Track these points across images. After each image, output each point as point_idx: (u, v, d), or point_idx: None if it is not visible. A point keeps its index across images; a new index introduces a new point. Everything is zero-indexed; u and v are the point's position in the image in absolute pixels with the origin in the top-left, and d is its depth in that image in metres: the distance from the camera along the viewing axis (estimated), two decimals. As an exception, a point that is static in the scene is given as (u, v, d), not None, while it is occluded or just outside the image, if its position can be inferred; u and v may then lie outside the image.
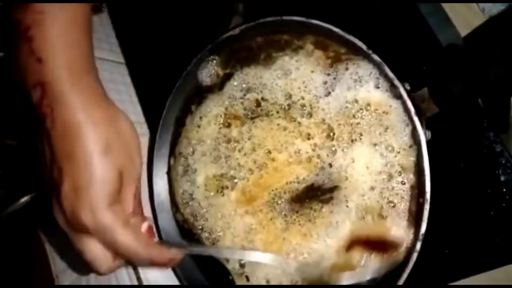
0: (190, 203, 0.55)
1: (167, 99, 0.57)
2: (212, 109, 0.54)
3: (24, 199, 0.57)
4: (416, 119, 0.42)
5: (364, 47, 0.45)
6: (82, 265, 0.39)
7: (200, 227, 0.53)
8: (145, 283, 0.55)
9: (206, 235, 0.52)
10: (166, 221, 0.55)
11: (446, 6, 0.56)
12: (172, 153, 0.57)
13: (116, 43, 0.76)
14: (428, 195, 0.41)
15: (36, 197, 0.59)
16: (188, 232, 0.55)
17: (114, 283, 0.57)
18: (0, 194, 0.61)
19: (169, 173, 0.57)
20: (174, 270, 0.53)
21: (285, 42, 0.51)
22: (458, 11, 0.56)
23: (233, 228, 0.51)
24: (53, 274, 0.65)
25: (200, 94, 0.56)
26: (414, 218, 0.43)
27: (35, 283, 0.67)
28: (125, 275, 0.57)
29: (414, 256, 0.41)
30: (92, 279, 0.60)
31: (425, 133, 0.42)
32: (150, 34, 0.72)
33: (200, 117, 0.55)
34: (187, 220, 0.54)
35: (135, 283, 0.55)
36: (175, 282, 0.55)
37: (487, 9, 0.56)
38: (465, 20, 0.55)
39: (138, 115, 0.71)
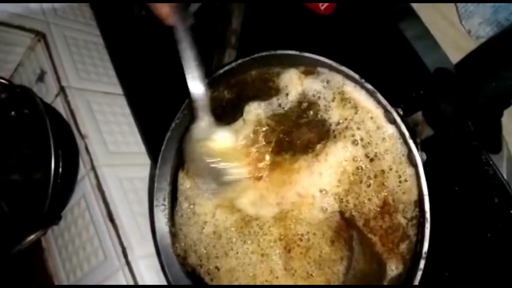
0: (187, 237, 0.56)
1: (167, 129, 0.58)
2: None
3: (31, 237, 0.58)
4: (411, 142, 0.44)
5: (356, 76, 0.46)
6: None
7: (199, 263, 0.54)
8: (140, 283, 0.57)
9: (205, 269, 0.54)
10: (168, 254, 0.56)
11: (432, 29, 0.59)
12: (172, 185, 0.58)
13: (115, 75, 0.78)
14: (428, 214, 0.42)
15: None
16: (189, 265, 0.56)
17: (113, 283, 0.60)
18: (7, 233, 0.61)
19: (170, 204, 0.58)
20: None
21: (277, 74, 0.53)
22: (445, 33, 0.59)
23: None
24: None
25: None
26: (416, 238, 0.44)
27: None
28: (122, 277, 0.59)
29: (419, 275, 0.41)
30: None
31: (420, 156, 0.43)
32: (148, 66, 0.74)
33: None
34: (187, 255, 0.56)
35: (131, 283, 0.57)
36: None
37: (473, 31, 0.58)
38: (452, 42, 0.57)
39: (139, 146, 0.72)
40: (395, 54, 0.57)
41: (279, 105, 0.53)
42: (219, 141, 0.52)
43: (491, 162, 0.47)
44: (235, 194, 0.52)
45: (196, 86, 0.48)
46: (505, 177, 0.47)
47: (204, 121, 0.51)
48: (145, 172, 0.70)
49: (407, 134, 0.43)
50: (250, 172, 0.51)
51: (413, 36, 0.57)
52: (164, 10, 0.47)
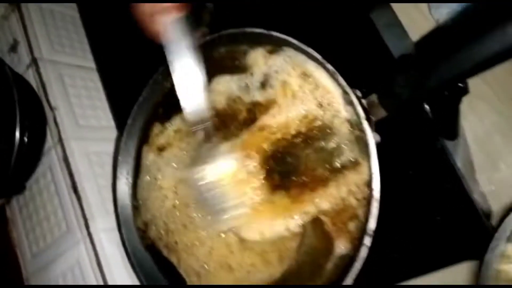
0: (148, 211, 0.56)
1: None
2: (179, 116, 0.56)
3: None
4: (365, 123, 0.44)
5: (319, 57, 0.47)
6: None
7: (159, 237, 0.54)
8: (110, 283, 0.56)
9: (164, 243, 0.54)
10: (129, 227, 0.56)
11: (403, 17, 0.59)
12: (136, 159, 0.58)
13: (89, 50, 0.77)
14: (376, 192, 0.42)
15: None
16: (149, 238, 0.56)
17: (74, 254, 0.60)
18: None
19: (133, 178, 0.58)
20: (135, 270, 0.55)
21: (244, 52, 0.53)
22: (415, 22, 0.59)
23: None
24: (23, 277, 0.66)
25: (167, 102, 0.57)
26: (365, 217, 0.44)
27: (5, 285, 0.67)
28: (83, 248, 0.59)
29: (364, 250, 0.42)
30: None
31: (374, 136, 0.44)
32: (123, 42, 0.73)
33: (167, 124, 0.57)
34: (147, 228, 0.56)
35: (101, 283, 0.57)
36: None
37: (441, 20, 0.59)
38: (420, 31, 0.58)
39: (109, 121, 0.72)
40: (363, 41, 0.57)
41: (246, 84, 0.53)
42: (219, 167, 0.49)
43: (445, 149, 0.48)
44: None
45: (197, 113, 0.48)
46: (458, 164, 0.48)
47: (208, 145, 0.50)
48: (113, 146, 0.70)
49: (362, 115, 0.44)
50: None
51: (383, 24, 0.58)
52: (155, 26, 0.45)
